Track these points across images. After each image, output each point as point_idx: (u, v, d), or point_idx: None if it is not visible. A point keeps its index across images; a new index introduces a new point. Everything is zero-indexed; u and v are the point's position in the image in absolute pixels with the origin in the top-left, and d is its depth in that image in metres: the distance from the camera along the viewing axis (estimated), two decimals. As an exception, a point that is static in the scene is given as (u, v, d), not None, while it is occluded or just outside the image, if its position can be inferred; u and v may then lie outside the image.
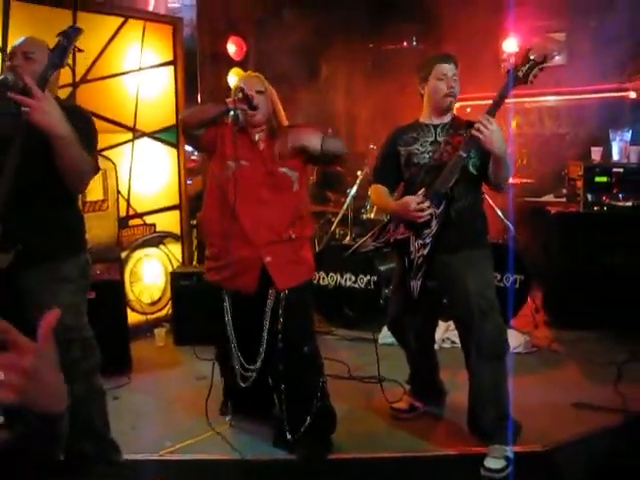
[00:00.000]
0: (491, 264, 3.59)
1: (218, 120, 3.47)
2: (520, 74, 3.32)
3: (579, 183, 5.81)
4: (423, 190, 3.47)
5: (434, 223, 3.44)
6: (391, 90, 7.98)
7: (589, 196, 5.69)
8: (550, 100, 7.82)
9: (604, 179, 5.66)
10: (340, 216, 6.46)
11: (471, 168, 3.47)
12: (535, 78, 3.33)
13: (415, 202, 3.44)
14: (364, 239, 3.84)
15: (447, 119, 3.62)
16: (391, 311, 3.91)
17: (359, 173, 6.48)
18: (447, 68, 3.53)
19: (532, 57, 3.34)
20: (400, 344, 4.03)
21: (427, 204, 3.43)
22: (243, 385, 3.63)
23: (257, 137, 3.50)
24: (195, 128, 3.50)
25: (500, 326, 3.45)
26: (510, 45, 7.51)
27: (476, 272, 3.46)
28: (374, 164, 3.89)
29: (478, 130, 3.25)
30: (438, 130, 3.59)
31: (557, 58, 7.51)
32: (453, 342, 5.17)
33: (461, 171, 3.40)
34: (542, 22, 7.57)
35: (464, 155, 3.37)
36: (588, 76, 7.26)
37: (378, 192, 3.75)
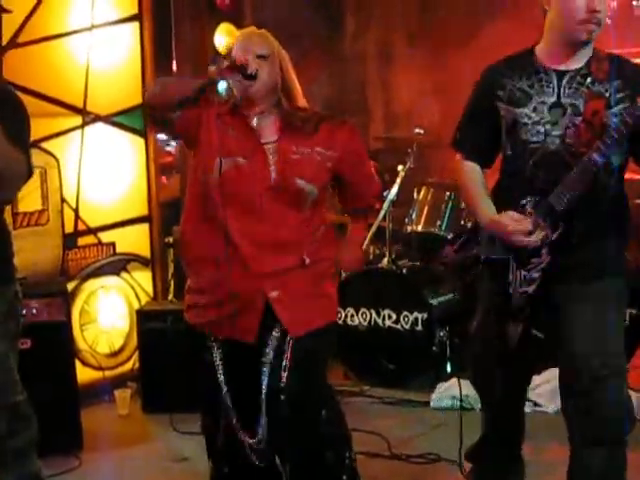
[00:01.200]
0: (623, 301, 3.46)
1: (200, 99, 3.35)
2: None
3: None
4: (531, 200, 3.31)
5: (545, 252, 3.31)
6: (448, 50, 7.95)
7: None
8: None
9: None
10: (374, 229, 6.45)
11: (613, 158, 3.23)
12: None
13: (522, 230, 3.28)
14: (453, 237, 3.72)
15: (582, 61, 3.27)
16: (473, 355, 3.85)
17: (400, 169, 6.46)
18: None
19: None
20: (481, 399, 3.95)
21: (538, 232, 3.28)
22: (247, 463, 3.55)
23: (255, 121, 3.44)
24: (166, 110, 3.38)
25: (622, 398, 3.31)
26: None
27: (596, 314, 3.30)
28: (462, 121, 3.62)
29: None
30: (564, 83, 3.28)
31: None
32: (537, 404, 5.14)
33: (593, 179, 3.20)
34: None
35: (599, 160, 3.14)
36: None
37: (467, 176, 3.53)
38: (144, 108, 5.61)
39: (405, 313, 5.85)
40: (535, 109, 3.29)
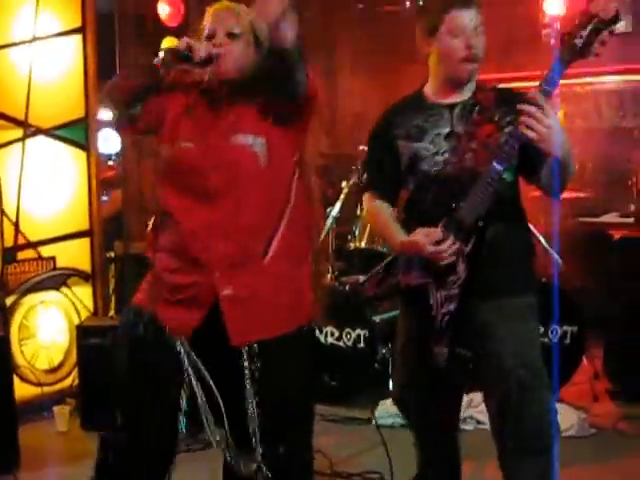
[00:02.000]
0: (536, 318, 3.54)
1: (156, 85, 3.07)
2: (578, 42, 3.08)
3: (653, 196, 5.82)
4: (443, 220, 3.37)
5: (461, 267, 3.36)
6: (388, 68, 8.02)
7: (667, 215, 5.69)
8: (610, 81, 7.87)
9: (688, 191, 5.68)
10: (317, 246, 6.44)
11: (506, 174, 3.36)
12: (602, 47, 3.11)
13: (432, 239, 3.33)
14: (359, 280, 3.79)
15: (467, 94, 3.46)
16: (399, 378, 3.87)
17: (344, 185, 6.49)
18: (466, 16, 3.36)
19: (595, 16, 3.08)
20: (410, 424, 3.97)
21: (450, 240, 3.33)
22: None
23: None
24: (127, 103, 3.11)
25: (547, 406, 3.40)
26: (553, 5, 7.56)
27: (514, 328, 3.41)
28: (364, 163, 3.84)
29: (527, 125, 3.11)
30: (455, 113, 3.44)
31: (620, 24, 7.58)
32: (479, 422, 5.16)
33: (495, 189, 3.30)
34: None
35: (501, 168, 3.24)
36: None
37: (376, 211, 3.66)
38: (89, 118, 5.56)
39: (347, 330, 5.85)
40: (432, 141, 3.43)
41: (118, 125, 3.39)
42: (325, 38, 8.34)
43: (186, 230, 2.97)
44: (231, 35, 3.02)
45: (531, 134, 3.10)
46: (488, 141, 3.36)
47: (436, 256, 3.34)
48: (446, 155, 3.41)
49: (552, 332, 5.56)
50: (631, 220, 6.50)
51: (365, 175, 3.79)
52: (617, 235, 5.96)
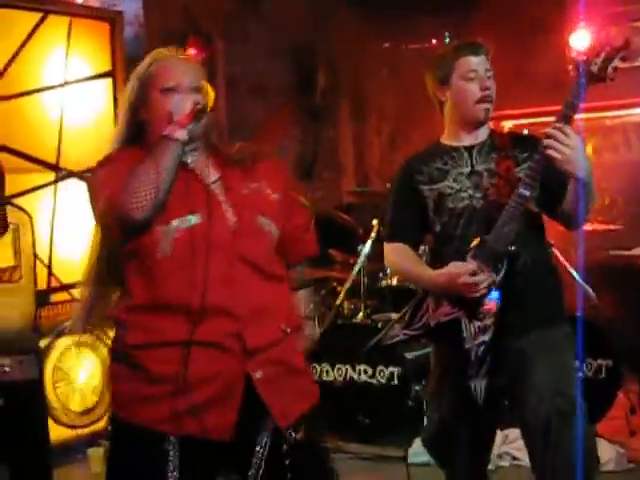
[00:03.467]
0: (573, 348, 3.56)
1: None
2: (594, 68, 3.25)
3: (685, 228, 5.79)
4: (472, 250, 3.41)
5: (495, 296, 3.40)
6: (416, 106, 8.02)
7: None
8: (638, 113, 7.84)
9: None
10: (349, 284, 6.43)
11: (531, 204, 3.43)
12: (616, 72, 3.28)
13: (467, 270, 3.36)
14: (389, 325, 3.77)
15: (483, 136, 3.58)
16: (432, 421, 3.85)
17: (375, 223, 6.47)
18: (476, 62, 3.49)
19: (607, 44, 3.28)
20: (441, 466, 3.94)
21: (485, 272, 3.36)
22: None
23: (190, 161, 2.81)
24: (148, 217, 2.62)
25: (587, 435, 3.38)
26: (580, 39, 7.57)
27: (551, 359, 3.41)
28: (386, 213, 3.82)
29: (551, 147, 3.18)
30: (474, 154, 3.54)
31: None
32: (515, 458, 5.13)
33: (523, 216, 3.37)
34: (624, 7, 7.66)
35: (527, 193, 3.30)
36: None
37: (400, 255, 3.68)
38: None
39: (380, 367, 5.82)
40: (455, 180, 3.52)
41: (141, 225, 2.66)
42: (352, 77, 8.37)
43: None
44: (195, 89, 2.76)
45: (556, 155, 3.18)
46: (509, 175, 3.44)
47: (472, 288, 3.35)
48: (470, 192, 3.50)
49: (587, 366, 5.53)
50: (663, 252, 6.47)
51: (388, 224, 3.81)
52: (650, 267, 5.92)
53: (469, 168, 3.53)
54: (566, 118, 3.23)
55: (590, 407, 3.43)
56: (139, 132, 2.81)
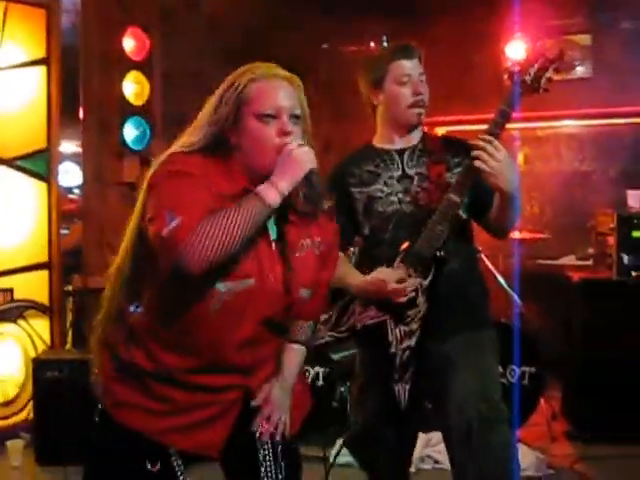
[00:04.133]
0: (496, 351, 3.57)
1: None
2: (528, 78, 3.31)
3: (611, 240, 5.87)
4: (401, 255, 3.41)
5: (421, 300, 3.38)
6: (352, 111, 8.02)
7: (625, 258, 5.74)
8: (570, 125, 7.95)
9: (644, 234, 5.73)
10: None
11: (460, 210, 3.45)
12: (550, 83, 3.33)
13: (395, 277, 3.35)
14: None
15: (415, 140, 3.58)
16: (355, 423, 3.84)
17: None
18: (409, 66, 3.49)
19: (542, 54, 3.34)
20: (363, 467, 3.94)
21: (412, 278, 3.36)
22: None
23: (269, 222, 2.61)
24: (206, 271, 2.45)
25: (508, 442, 3.40)
26: (516, 50, 7.63)
27: (475, 363, 3.42)
28: None
29: (479, 158, 3.19)
30: (405, 158, 3.55)
31: (579, 69, 7.68)
32: (436, 462, 5.14)
33: (452, 221, 3.38)
34: (559, 20, 7.74)
35: (457, 199, 3.32)
36: (620, 94, 7.39)
37: None
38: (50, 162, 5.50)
39: (306, 367, 5.79)
40: (385, 183, 3.53)
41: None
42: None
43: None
44: (295, 117, 2.56)
45: (483, 167, 3.18)
46: (440, 180, 3.44)
47: (398, 293, 3.34)
48: (400, 195, 3.51)
49: (511, 373, 5.58)
50: (589, 262, 6.54)
51: None
52: (576, 277, 5.98)
53: (400, 172, 3.54)
54: (498, 126, 3.26)
55: (512, 413, 3.46)
56: (219, 143, 2.55)
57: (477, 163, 3.19)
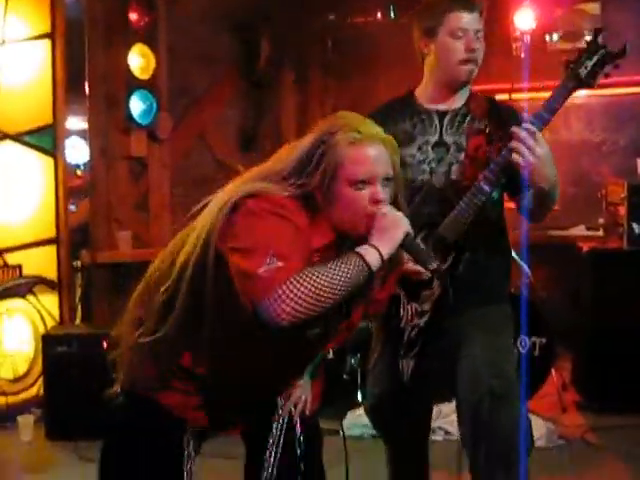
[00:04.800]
0: (511, 327, 3.53)
1: None
2: (582, 72, 3.08)
3: (621, 209, 5.86)
4: (420, 234, 3.28)
5: (437, 283, 3.32)
6: (359, 81, 8.02)
7: (636, 227, 5.74)
8: (580, 96, 7.85)
9: (656, 203, 5.71)
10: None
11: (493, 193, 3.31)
12: (607, 79, 3.12)
13: None
14: None
15: (460, 102, 3.39)
16: (371, 395, 3.80)
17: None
18: (467, 19, 3.27)
19: (603, 47, 3.09)
20: (382, 435, 3.92)
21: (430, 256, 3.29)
22: None
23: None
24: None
25: (518, 417, 3.36)
26: (524, 19, 7.57)
27: (489, 338, 3.37)
28: None
29: (517, 151, 3.04)
30: (446, 122, 3.37)
31: (588, 38, 7.62)
32: (447, 432, 5.16)
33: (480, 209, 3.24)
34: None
35: (487, 189, 3.18)
36: (632, 63, 7.33)
37: None
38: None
39: (316, 340, 5.79)
40: (419, 148, 3.35)
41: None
42: (295, 50, 8.31)
43: None
44: (387, 180, 2.50)
45: (520, 161, 3.03)
46: (476, 155, 3.30)
47: (416, 272, 3.16)
48: (433, 165, 3.34)
49: (521, 343, 5.56)
50: (600, 233, 6.51)
51: None
52: (585, 247, 5.97)
53: (437, 137, 3.36)
54: (542, 120, 3.09)
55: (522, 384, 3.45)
56: (308, 197, 2.44)
57: (514, 156, 3.04)
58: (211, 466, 3.10)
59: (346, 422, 5.25)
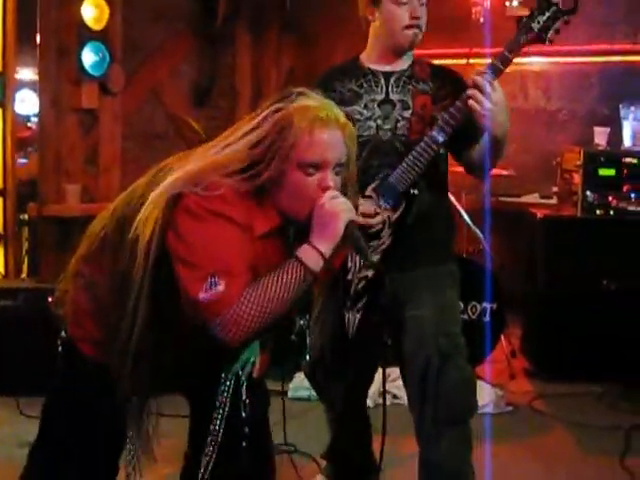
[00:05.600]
0: (457, 286, 3.57)
1: None
2: (535, 26, 3.18)
3: (576, 177, 5.86)
4: (374, 184, 3.36)
5: (386, 233, 3.36)
6: (316, 39, 7.95)
7: (590, 195, 5.74)
8: (537, 63, 7.87)
9: (611, 172, 5.71)
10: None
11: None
12: (557, 36, 3.21)
13: (365, 210, 3.29)
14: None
15: (405, 64, 3.49)
16: (313, 349, 3.81)
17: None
18: None
19: (555, 4, 3.19)
20: (321, 399, 3.96)
21: (378, 206, 3.33)
22: None
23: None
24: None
25: (467, 376, 3.43)
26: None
27: (436, 297, 3.43)
28: None
29: (474, 98, 3.12)
30: (391, 81, 3.45)
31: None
32: (395, 396, 5.14)
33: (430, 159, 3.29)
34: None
35: (440, 139, 3.25)
36: (590, 32, 7.34)
37: None
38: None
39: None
40: (366, 106, 3.43)
41: None
42: (253, 9, 8.22)
43: None
44: (339, 166, 2.49)
45: (476, 107, 3.12)
46: (423, 112, 3.38)
47: (365, 221, 3.28)
48: (379, 121, 3.41)
49: (472, 309, 5.59)
50: (554, 200, 6.52)
51: None
52: (539, 214, 5.97)
53: (383, 95, 3.44)
54: (496, 70, 3.18)
55: (472, 349, 3.46)
56: (254, 176, 2.41)
57: (471, 102, 3.14)
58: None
59: (292, 384, 5.23)
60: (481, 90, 3.11)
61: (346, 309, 3.43)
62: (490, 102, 3.10)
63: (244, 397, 2.74)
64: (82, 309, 2.63)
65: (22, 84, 8.18)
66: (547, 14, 3.17)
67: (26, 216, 6.29)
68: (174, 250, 2.34)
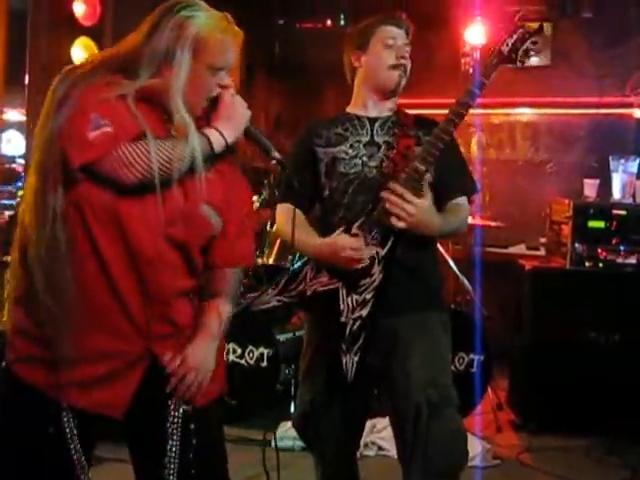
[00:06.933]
0: (448, 335, 3.53)
1: None
2: (505, 49, 3.32)
3: (565, 229, 5.86)
4: (360, 220, 3.36)
5: (377, 269, 3.33)
6: (305, 87, 7.96)
7: (579, 247, 5.74)
8: (526, 114, 7.93)
9: (600, 224, 5.73)
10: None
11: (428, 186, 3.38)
12: (527, 58, 3.36)
13: (352, 245, 3.30)
14: (262, 290, 3.66)
15: (389, 111, 3.57)
16: (303, 402, 3.74)
17: (255, 199, 6.37)
18: (396, 32, 3.52)
19: (521, 26, 3.35)
20: (311, 450, 3.88)
21: (368, 245, 3.32)
22: None
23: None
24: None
25: (457, 428, 3.37)
26: (475, 35, 7.60)
27: (427, 346, 3.39)
28: (280, 175, 3.83)
29: (394, 214, 3.24)
30: (376, 126, 3.53)
31: (534, 60, 7.64)
32: (381, 448, 5.13)
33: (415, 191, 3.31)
34: (518, 6, 7.70)
35: (422, 168, 3.27)
36: (579, 84, 7.39)
37: (289, 217, 3.32)
38: None
39: (250, 348, 5.73)
40: (352, 146, 3.52)
41: None
42: (242, 51, 8.25)
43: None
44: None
45: (400, 224, 3.23)
46: (407, 152, 3.42)
47: (354, 260, 3.31)
48: (364, 159, 3.48)
49: (459, 360, 5.57)
50: (542, 252, 6.53)
51: (281, 186, 3.73)
52: (527, 266, 5.97)
53: (368, 137, 3.52)
54: (472, 96, 3.31)
55: (460, 400, 3.42)
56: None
57: (393, 220, 3.23)
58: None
59: (279, 434, 5.16)
60: (396, 205, 3.21)
61: (343, 353, 3.37)
62: (408, 214, 3.20)
63: (191, 425, 2.67)
64: (15, 321, 2.58)
65: (9, 124, 8.17)
66: (515, 36, 3.31)
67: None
68: (64, 131, 2.37)
